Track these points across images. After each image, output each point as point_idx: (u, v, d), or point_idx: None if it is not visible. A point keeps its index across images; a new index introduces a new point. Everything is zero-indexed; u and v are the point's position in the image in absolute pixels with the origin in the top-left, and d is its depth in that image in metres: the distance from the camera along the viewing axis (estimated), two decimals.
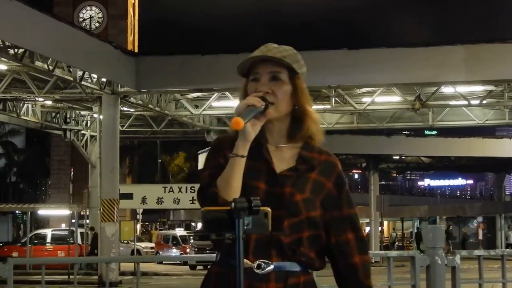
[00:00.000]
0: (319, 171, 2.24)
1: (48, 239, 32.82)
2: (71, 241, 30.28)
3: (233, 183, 2.10)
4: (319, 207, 2.20)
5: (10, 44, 19.31)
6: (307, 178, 2.22)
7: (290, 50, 2.29)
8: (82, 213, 31.53)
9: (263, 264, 2.11)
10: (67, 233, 31.89)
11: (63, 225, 35.17)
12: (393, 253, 8.01)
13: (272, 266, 2.12)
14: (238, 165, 2.08)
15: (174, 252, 38.13)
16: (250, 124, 2.03)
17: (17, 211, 36.07)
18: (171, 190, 30.19)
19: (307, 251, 2.20)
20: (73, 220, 32.93)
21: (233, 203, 1.84)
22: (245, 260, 2.08)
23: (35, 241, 31.56)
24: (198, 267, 28.33)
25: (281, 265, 2.13)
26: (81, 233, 32.20)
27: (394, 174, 59.27)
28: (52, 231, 34.33)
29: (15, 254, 26.74)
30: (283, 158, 2.24)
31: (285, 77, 2.22)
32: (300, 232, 2.18)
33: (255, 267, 2.11)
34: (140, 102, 26.31)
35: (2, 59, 21.42)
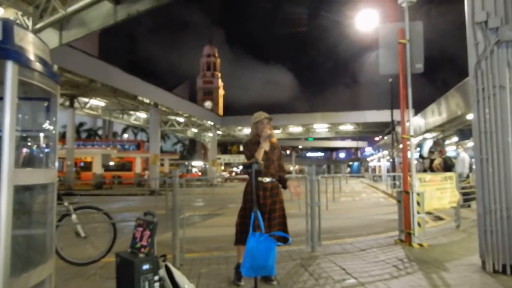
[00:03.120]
0: (277, 149, 3.50)
1: (193, 171, 42.45)
2: (196, 172, 42.45)
3: (261, 154, 3.34)
4: (277, 160, 3.48)
5: (182, 113, 27.22)
6: (273, 151, 3.48)
7: (266, 113, 3.55)
8: (205, 165, 44.52)
9: (265, 179, 3.34)
10: (198, 170, 44.71)
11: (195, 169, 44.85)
12: (300, 175, 6.51)
13: (268, 179, 3.36)
14: (262, 150, 3.35)
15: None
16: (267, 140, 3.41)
17: (186, 163, 44.17)
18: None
19: (276, 174, 3.46)
20: (203, 167, 46.53)
21: (253, 162, 2.98)
22: (260, 178, 3.32)
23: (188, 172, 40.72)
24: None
25: (270, 179, 3.35)
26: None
27: (299, 152, 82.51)
28: (193, 168, 44.17)
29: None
30: (267, 147, 3.44)
31: (270, 122, 3.48)
32: (275, 168, 3.38)
33: (263, 180, 3.34)
34: (223, 129, 34.98)
35: (179, 118, 29.02)
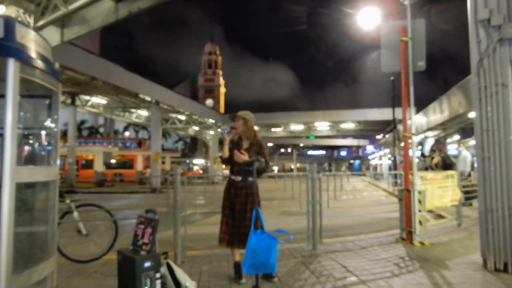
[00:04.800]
0: (256, 146, 3.30)
1: (194, 169, 44.63)
2: (197, 170, 44.44)
3: (226, 153, 3.34)
4: (257, 156, 3.16)
5: (183, 111, 27.01)
6: (252, 149, 3.28)
7: (244, 111, 3.32)
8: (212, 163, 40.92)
9: (238, 177, 3.25)
10: (199, 167, 46.51)
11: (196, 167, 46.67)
12: (301, 173, 6.89)
13: (239, 178, 3.25)
14: (227, 147, 3.34)
15: None
16: (229, 135, 3.33)
17: (187, 161, 46.03)
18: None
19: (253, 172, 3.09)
20: (204, 164, 46.39)
21: (254, 159, 2.98)
22: (233, 176, 3.27)
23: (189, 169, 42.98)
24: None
25: (242, 178, 3.23)
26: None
27: (300, 150, 79.21)
28: (194, 166, 46.55)
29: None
30: (245, 144, 3.34)
31: (241, 120, 3.32)
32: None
33: (235, 179, 3.25)
34: (223, 127, 33.21)
35: (180, 116, 28.70)
